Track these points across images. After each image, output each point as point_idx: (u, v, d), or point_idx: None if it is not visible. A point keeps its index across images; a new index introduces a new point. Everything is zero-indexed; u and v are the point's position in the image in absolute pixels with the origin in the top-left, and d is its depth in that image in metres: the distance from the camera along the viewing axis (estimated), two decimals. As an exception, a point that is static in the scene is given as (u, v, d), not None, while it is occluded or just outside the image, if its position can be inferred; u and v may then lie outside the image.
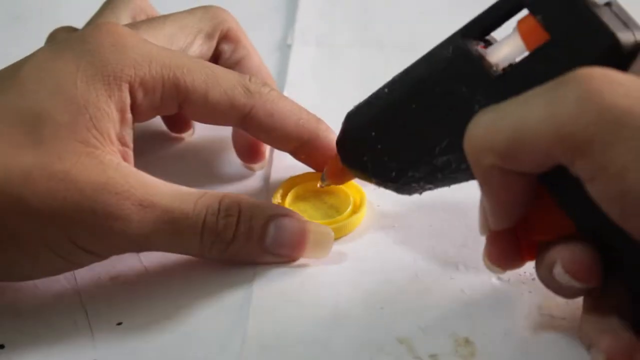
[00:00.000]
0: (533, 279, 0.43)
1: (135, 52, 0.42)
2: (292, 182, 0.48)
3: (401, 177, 0.42)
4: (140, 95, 0.42)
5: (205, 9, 0.50)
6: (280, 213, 0.43)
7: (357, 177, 0.45)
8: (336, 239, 0.45)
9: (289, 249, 0.44)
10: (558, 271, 0.37)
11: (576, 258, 0.37)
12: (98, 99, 0.41)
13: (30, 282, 0.43)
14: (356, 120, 0.44)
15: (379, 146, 0.42)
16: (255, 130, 0.46)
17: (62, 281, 0.44)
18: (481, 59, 0.39)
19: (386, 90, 0.42)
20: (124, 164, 0.41)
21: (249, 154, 0.50)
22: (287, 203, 0.47)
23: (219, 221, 0.42)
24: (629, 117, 0.33)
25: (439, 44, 0.40)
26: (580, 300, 0.39)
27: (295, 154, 0.48)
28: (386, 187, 0.43)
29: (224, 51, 0.50)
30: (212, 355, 0.40)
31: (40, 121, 0.40)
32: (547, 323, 0.41)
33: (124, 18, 0.49)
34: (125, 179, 0.40)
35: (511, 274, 0.43)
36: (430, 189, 0.42)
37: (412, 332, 0.41)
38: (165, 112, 0.45)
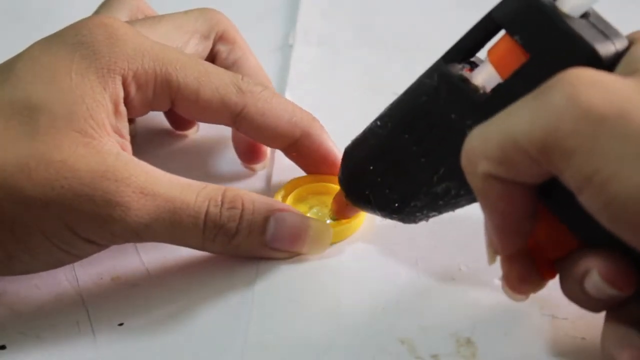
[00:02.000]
0: (535, 280, 0.43)
1: (128, 45, 0.42)
2: (294, 184, 0.48)
3: (404, 208, 0.42)
4: (133, 88, 0.43)
5: (200, 10, 0.50)
6: (280, 207, 0.43)
7: (363, 211, 0.45)
8: (337, 242, 0.45)
9: (289, 244, 0.44)
10: (594, 280, 0.36)
11: (612, 265, 0.36)
12: (93, 90, 0.41)
13: (31, 283, 0.43)
14: (353, 155, 0.44)
15: (379, 179, 0.42)
16: (248, 129, 0.46)
17: (63, 282, 0.44)
18: (466, 82, 0.39)
19: (378, 123, 0.42)
20: (124, 152, 0.41)
21: (250, 154, 0.50)
22: (288, 204, 0.47)
23: (222, 213, 0.42)
24: (606, 121, 0.32)
25: (425, 72, 0.40)
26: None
27: (287, 151, 0.48)
28: (392, 218, 0.43)
29: (220, 52, 0.50)
30: (214, 356, 0.40)
31: (37, 113, 0.40)
32: (549, 324, 0.41)
33: (121, 17, 0.49)
34: (125, 166, 0.40)
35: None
36: (434, 215, 0.42)
37: (413, 333, 0.41)
38: (159, 108, 0.45)
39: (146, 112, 0.45)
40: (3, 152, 0.39)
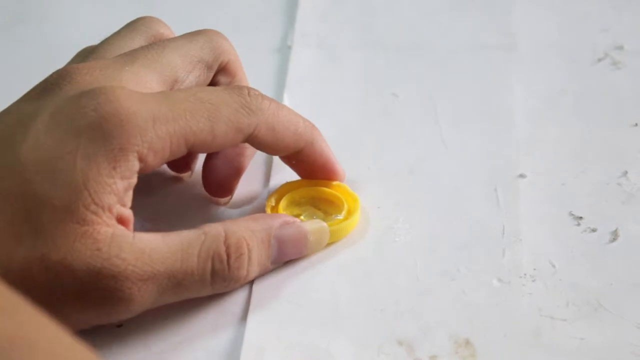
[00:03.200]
0: (533, 281, 0.43)
1: (137, 117, 0.41)
2: (286, 188, 0.48)
3: None
4: (150, 158, 0.41)
5: (207, 38, 0.48)
6: (276, 224, 0.43)
7: None
8: (333, 241, 0.45)
9: (293, 255, 0.44)
10: None
11: None
12: (99, 174, 0.40)
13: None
14: None
15: None
16: (258, 144, 0.46)
17: (62, 283, 0.44)
18: None
19: None
20: (119, 232, 0.40)
21: (218, 191, 0.49)
22: (281, 208, 0.47)
23: (231, 265, 0.41)
24: None
25: None
26: (581, 303, 0.39)
27: (287, 159, 0.48)
28: None
29: (219, 83, 0.49)
30: (212, 356, 0.40)
31: (39, 207, 0.39)
32: (548, 325, 0.41)
33: (139, 43, 0.49)
34: (120, 255, 0.39)
35: (511, 276, 0.43)
36: None
37: (412, 334, 0.41)
38: (175, 158, 0.43)
39: (162, 165, 0.44)
40: (7, 255, 0.39)
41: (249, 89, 0.45)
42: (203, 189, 0.49)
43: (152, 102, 0.42)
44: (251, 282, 0.43)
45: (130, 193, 0.42)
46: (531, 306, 0.42)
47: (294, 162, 0.47)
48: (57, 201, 0.39)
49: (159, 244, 0.41)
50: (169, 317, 0.42)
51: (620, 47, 0.58)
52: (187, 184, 0.50)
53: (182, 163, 0.50)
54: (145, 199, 0.47)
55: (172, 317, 0.42)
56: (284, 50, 0.62)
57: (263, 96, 0.45)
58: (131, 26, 0.49)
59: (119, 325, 0.42)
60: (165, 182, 0.50)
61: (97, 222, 0.40)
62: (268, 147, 0.46)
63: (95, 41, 0.49)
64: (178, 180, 0.50)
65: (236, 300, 0.43)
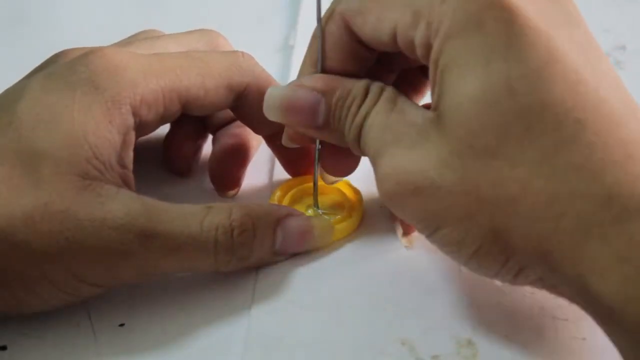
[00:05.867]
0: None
1: (128, 71, 0.42)
2: (290, 185, 0.48)
3: None
4: (144, 111, 0.42)
5: (202, 32, 0.49)
6: (283, 214, 0.43)
7: None
8: (335, 240, 0.45)
9: (297, 247, 0.44)
10: None
11: None
12: (97, 127, 0.40)
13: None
14: None
15: None
16: (246, 109, 0.46)
17: (64, 282, 0.44)
18: None
19: None
20: (123, 191, 0.41)
21: (225, 183, 0.49)
22: (285, 204, 0.47)
23: (235, 240, 0.41)
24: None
25: None
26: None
27: (271, 140, 0.48)
28: None
29: None
30: (215, 357, 0.40)
31: (40, 160, 0.39)
32: (550, 325, 0.41)
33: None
34: (124, 209, 0.40)
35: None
36: None
37: (414, 333, 0.41)
38: (170, 118, 0.44)
39: (159, 127, 0.45)
40: (9, 204, 0.39)
41: (243, 53, 0.46)
42: (204, 189, 0.50)
43: (143, 58, 0.43)
44: (254, 282, 0.43)
45: (130, 154, 0.42)
46: (533, 306, 0.42)
47: (278, 143, 0.48)
48: (57, 154, 0.40)
49: (164, 208, 0.41)
50: (171, 316, 0.42)
51: (623, 48, 0.58)
52: (188, 184, 0.50)
53: (182, 162, 0.51)
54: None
55: (174, 316, 0.42)
56: (287, 50, 0.62)
57: (257, 63, 0.46)
58: (132, 36, 0.50)
59: (121, 325, 0.42)
60: (166, 182, 0.50)
61: (100, 177, 0.40)
62: (256, 113, 0.45)
63: (95, 42, 0.49)
64: (179, 179, 0.50)
65: (239, 299, 0.43)
